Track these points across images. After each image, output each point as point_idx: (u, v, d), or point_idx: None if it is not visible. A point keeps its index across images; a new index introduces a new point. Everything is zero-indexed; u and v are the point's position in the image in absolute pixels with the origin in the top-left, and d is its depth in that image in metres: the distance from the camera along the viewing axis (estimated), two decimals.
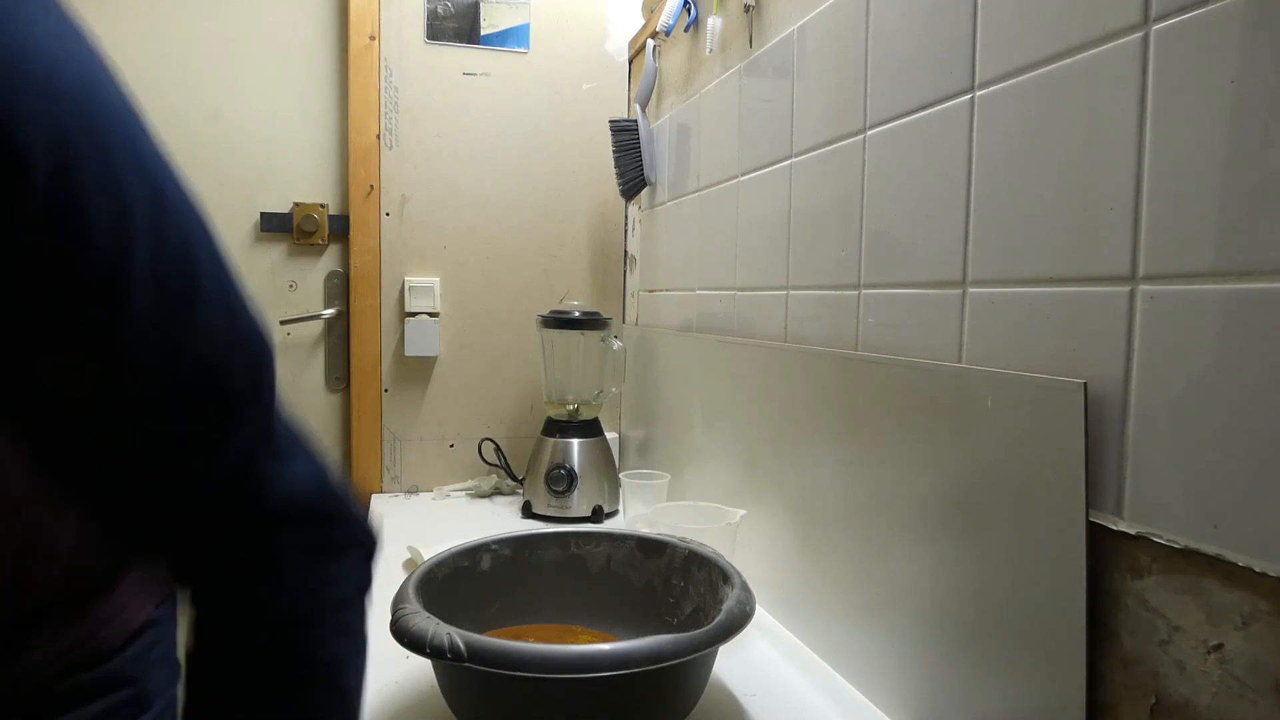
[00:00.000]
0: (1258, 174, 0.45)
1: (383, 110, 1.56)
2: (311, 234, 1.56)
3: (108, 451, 0.38)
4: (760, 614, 0.96)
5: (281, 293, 1.56)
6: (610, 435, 1.54)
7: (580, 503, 1.41)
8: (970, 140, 0.67)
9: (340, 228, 1.58)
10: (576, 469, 1.41)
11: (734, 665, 0.86)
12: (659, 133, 1.48)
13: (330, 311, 1.58)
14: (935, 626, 0.70)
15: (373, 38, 1.55)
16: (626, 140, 1.50)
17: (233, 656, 0.43)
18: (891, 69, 0.78)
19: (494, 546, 0.89)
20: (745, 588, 0.75)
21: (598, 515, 1.41)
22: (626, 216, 1.70)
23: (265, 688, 0.43)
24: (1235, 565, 0.46)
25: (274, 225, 1.54)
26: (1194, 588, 0.49)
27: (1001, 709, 0.62)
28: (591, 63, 1.67)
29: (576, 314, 1.49)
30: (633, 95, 1.59)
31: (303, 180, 1.56)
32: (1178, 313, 0.50)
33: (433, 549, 0.92)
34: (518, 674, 0.60)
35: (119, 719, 0.62)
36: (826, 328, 0.90)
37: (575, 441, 1.44)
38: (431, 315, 1.60)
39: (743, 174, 1.12)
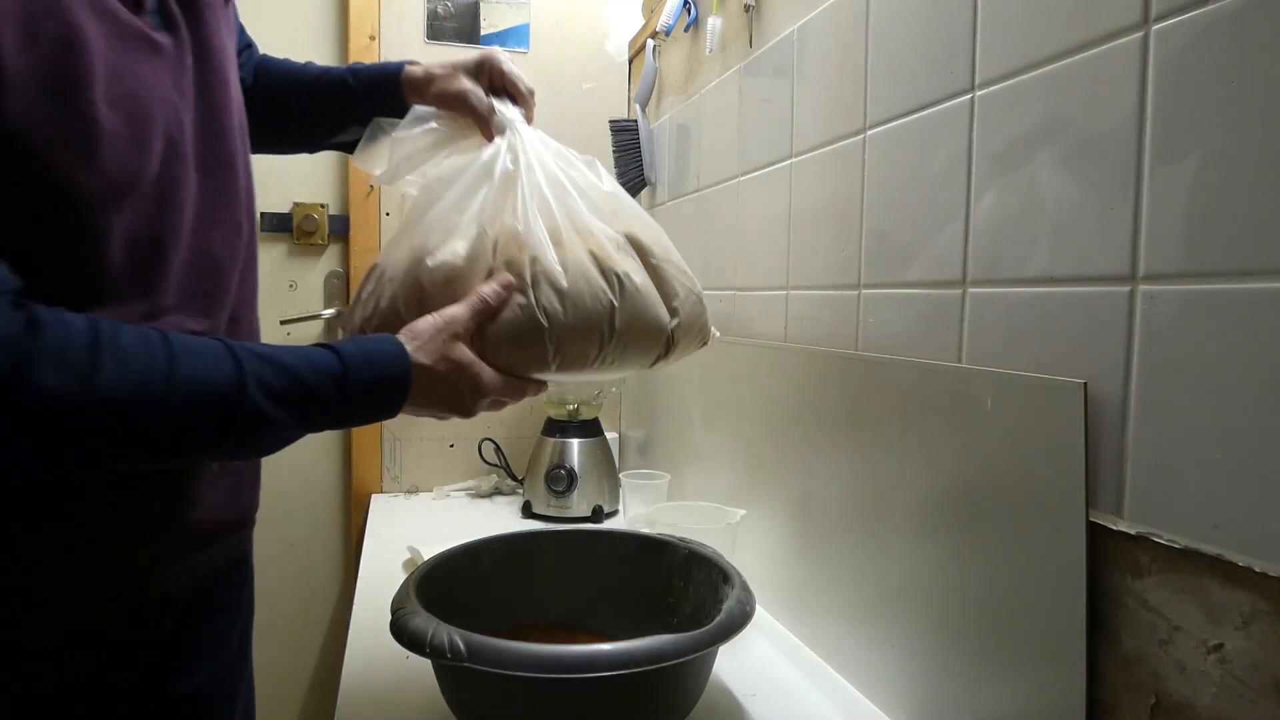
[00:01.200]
0: (1257, 174, 0.45)
1: None
2: (311, 234, 1.55)
3: None
4: (760, 614, 0.96)
5: (282, 293, 1.56)
6: (610, 435, 1.54)
7: (580, 503, 1.41)
8: (970, 140, 0.67)
9: (340, 228, 1.58)
10: (576, 469, 1.41)
11: (734, 665, 0.86)
12: (659, 133, 1.48)
13: (330, 311, 1.58)
14: (935, 626, 0.70)
15: (373, 38, 1.55)
16: (626, 140, 1.50)
17: None
18: (891, 69, 0.78)
19: (494, 546, 0.89)
20: (745, 588, 0.75)
21: (598, 515, 1.41)
22: None
23: None
24: (1235, 565, 0.46)
25: (274, 225, 1.54)
26: (1194, 588, 0.49)
27: (1001, 709, 0.62)
28: (591, 63, 1.67)
29: None
30: (633, 95, 1.59)
31: (302, 180, 1.56)
32: (1178, 313, 0.50)
33: (433, 549, 0.92)
34: (518, 674, 0.60)
35: None
36: (826, 328, 0.90)
37: (575, 441, 1.44)
38: None
39: (743, 174, 1.12)
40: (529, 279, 0.65)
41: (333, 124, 0.89)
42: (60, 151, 0.48)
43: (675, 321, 0.70)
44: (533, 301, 0.65)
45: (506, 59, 0.82)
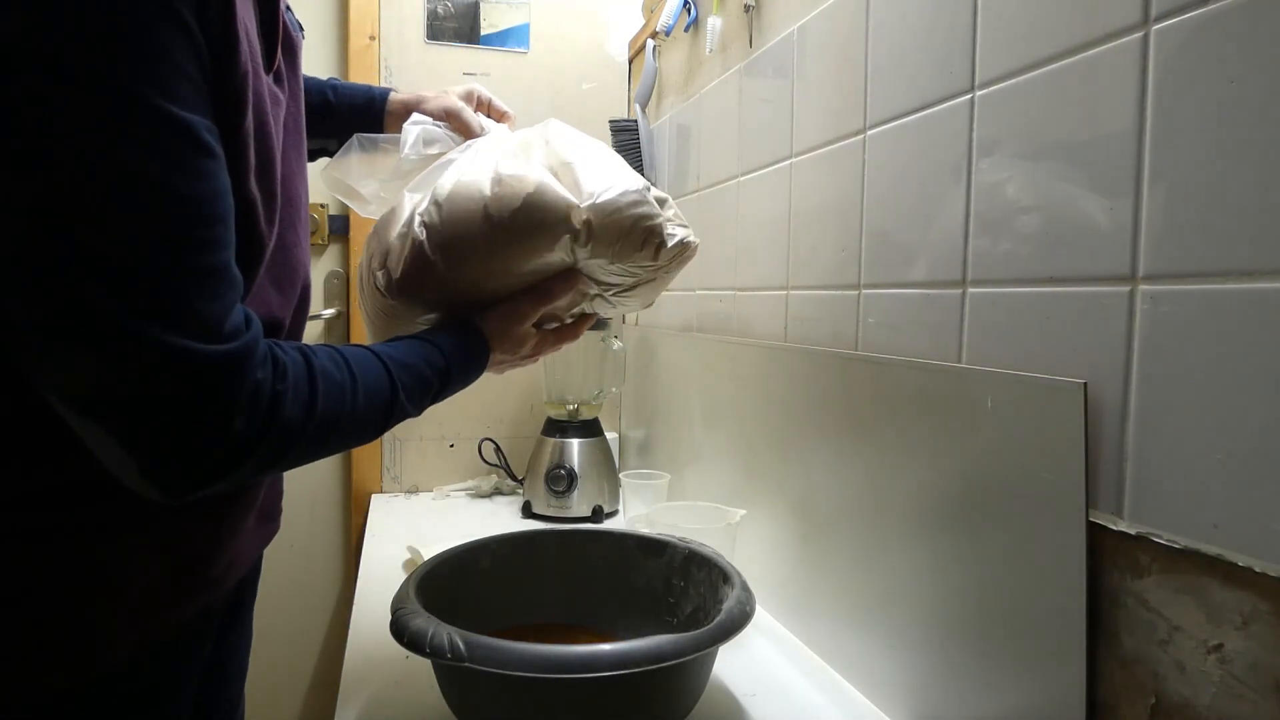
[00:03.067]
0: (1258, 173, 0.45)
1: None
2: (311, 234, 1.55)
3: None
4: (760, 614, 0.96)
5: None
6: (610, 435, 1.54)
7: (580, 503, 1.41)
8: (970, 140, 0.67)
9: (340, 228, 1.58)
10: (576, 469, 1.41)
11: (734, 665, 0.86)
12: (659, 133, 1.48)
13: (330, 312, 1.58)
14: (935, 626, 0.70)
15: (373, 38, 1.55)
16: (626, 140, 1.50)
17: None
18: (891, 69, 0.78)
19: (494, 546, 0.89)
20: (745, 588, 0.75)
21: (598, 515, 1.41)
22: None
23: None
24: (1235, 565, 0.46)
25: None
26: (1194, 588, 0.49)
27: (1001, 709, 0.62)
28: (591, 63, 1.67)
29: None
30: (633, 95, 1.59)
31: None
32: (1178, 313, 0.50)
33: (433, 549, 0.92)
34: (518, 674, 0.60)
35: None
36: (826, 328, 0.90)
37: (575, 441, 1.44)
38: None
39: (743, 174, 1.12)
40: (421, 208, 0.72)
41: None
42: (264, 226, 0.55)
43: (587, 205, 0.70)
44: (414, 218, 0.72)
45: (485, 89, 0.91)
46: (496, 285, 0.74)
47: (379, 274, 0.74)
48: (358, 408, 0.59)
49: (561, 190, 0.70)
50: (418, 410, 0.66)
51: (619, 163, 0.77)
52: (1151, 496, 0.51)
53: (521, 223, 0.70)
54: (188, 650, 0.64)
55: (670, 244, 0.76)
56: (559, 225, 0.70)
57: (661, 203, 0.78)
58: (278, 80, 0.61)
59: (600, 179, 0.72)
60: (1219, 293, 0.47)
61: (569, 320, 0.84)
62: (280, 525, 0.79)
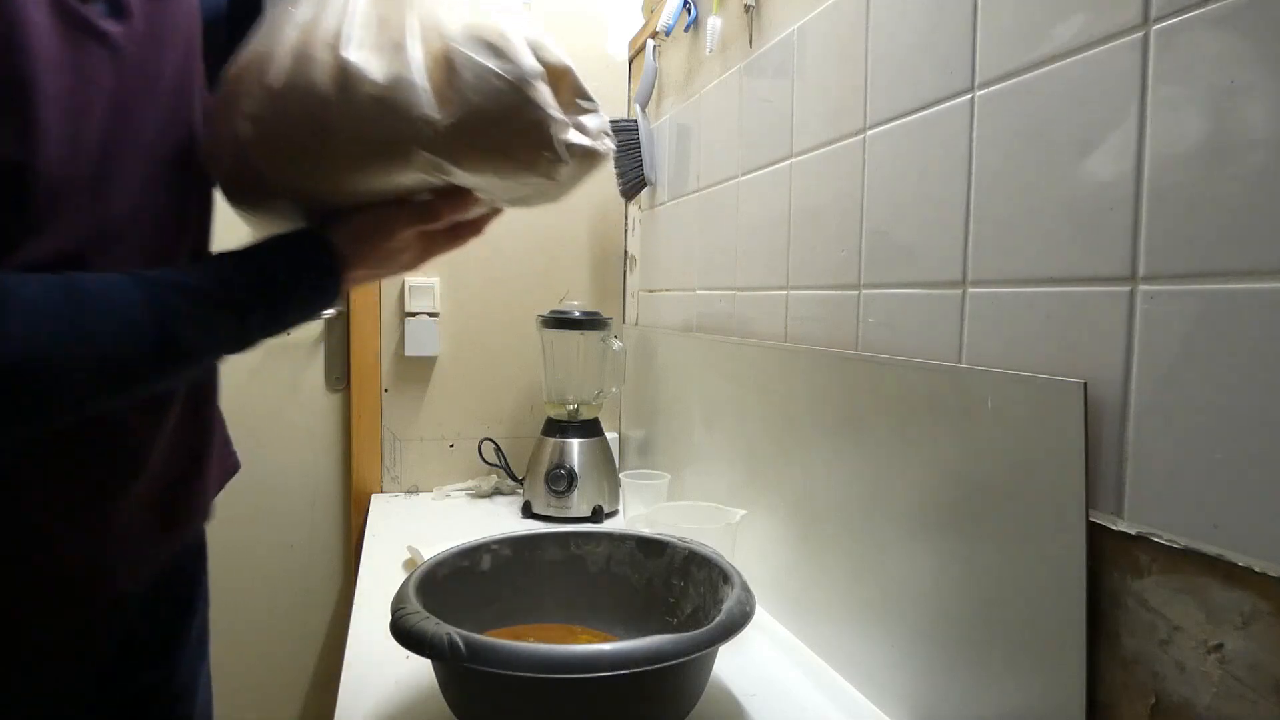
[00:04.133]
0: (1258, 174, 0.45)
1: None
2: None
3: None
4: (760, 614, 0.96)
5: None
6: (610, 435, 1.54)
7: (580, 503, 1.41)
8: (970, 140, 0.67)
9: None
10: (576, 469, 1.41)
11: (734, 665, 0.86)
12: (659, 133, 1.48)
13: (330, 311, 1.58)
14: (935, 626, 0.70)
15: None
16: (626, 140, 1.50)
17: None
18: (891, 69, 0.78)
19: (494, 546, 0.89)
20: (745, 588, 0.75)
21: (598, 515, 1.41)
22: (626, 216, 1.70)
23: None
24: (1235, 565, 0.46)
25: None
26: (1194, 588, 0.49)
27: (1001, 709, 0.62)
28: (591, 63, 1.67)
29: (576, 314, 1.49)
30: (633, 95, 1.59)
31: None
32: (1178, 313, 0.50)
33: (433, 549, 0.92)
34: (518, 674, 0.60)
35: None
36: (826, 328, 0.90)
37: (575, 441, 1.44)
38: (431, 315, 1.60)
39: (743, 174, 1.12)
40: (245, 90, 0.57)
41: None
42: (5, 147, 0.46)
43: (447, 118, 0.54)
44: (238, 108, 0.57)
45: None
46: (357, 200, 0.60)
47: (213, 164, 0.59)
48: (84, 341, 0.47)
49: (413, 94, 0.54)
50: (233, 341, 0.55)
51: (517, 44, 0.60)
52: (1151, 496, 0.51)
53: (358, 134, 0.55)
54: (56, 685, 0.56)
55: (568, 161, 0.59)
56: (404, 140, 0.55)
57: (560, 80, 0.60)
58: (119, 14, 0.53)
59: (478, 64, 0.56)
60: (1219, 293, 0.47)
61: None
62: (203, 528, 0.70)
